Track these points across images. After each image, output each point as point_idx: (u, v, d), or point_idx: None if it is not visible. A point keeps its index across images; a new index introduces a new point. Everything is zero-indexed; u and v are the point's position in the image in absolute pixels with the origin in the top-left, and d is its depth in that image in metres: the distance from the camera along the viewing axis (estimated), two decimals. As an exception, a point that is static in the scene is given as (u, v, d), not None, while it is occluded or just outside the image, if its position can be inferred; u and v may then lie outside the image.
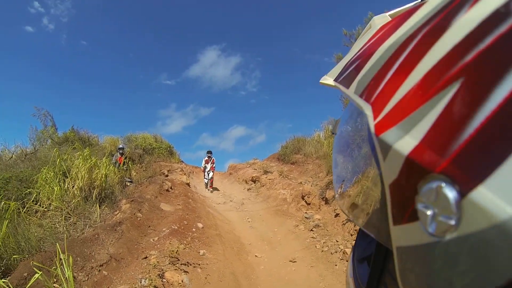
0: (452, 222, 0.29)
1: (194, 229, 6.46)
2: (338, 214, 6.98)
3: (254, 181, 12.60)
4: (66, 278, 3.14)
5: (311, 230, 7.08)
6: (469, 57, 0.31)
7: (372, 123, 0.43)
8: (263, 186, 11.69)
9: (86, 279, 3.85)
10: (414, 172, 0.34)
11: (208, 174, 12.55)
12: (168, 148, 15.58)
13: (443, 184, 0.30)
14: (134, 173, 10.25)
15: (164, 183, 9.08)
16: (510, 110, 0.26)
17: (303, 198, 8.73)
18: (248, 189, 12.31)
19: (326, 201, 8.29)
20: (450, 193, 0.29)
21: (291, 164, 13.22)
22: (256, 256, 6.02)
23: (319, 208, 8.20)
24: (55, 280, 3.30)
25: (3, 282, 2.99)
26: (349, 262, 0.80)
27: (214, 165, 12.78)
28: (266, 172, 12.66)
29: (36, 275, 2.89)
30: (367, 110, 0.47)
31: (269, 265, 5.64)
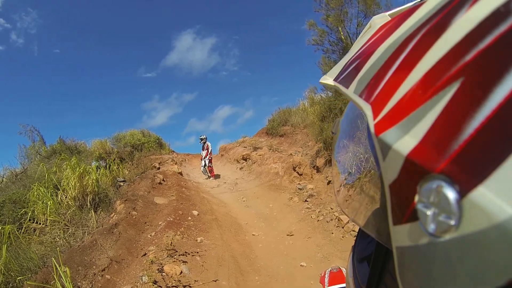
0: (452, 222, 0.29)
1: (189, 218, 6.60)
2: (330, 181, 7.08)
3: (245, 159, 12.69)
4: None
5: (305, 200, 7.29)
6: (469, 56, 0.31)
7: (371, 123, 0.43)
8: (254, 163, 11.78)
9: (90, 286, 4.02)
10: (414, 172, 0.34)
11: (204, 162, 12.30)
12: (157, 141, 15.53)
13: (443, 184, 0.30)
14: (127, 172, 10.33)
15: (155, 177, 9.17)
16: (510, 110, 0.26)
17: (294, 169, 8.87)
18: (240, 168, 12.42)
19: (318, 170, 8.45)
20: (450, 193, 0.29)
21: (280, 136, 13.33)
22: (253, 235, 6.18)
23: (311, 177, 8.39)
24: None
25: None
26: (349, 262, 0.81)
27: (210, 151, 12.40)
28: (256, 149, 12.71)
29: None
30: (367, 110, 0.46)
31: (267, 242, 5.80)
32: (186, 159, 15.48)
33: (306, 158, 9.21)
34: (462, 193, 0.28)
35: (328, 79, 0.72)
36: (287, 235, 5.90)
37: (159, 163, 11.72)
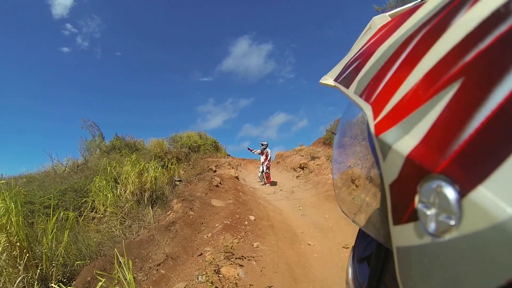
0: (452, 222, 0.29)
1: (246, 222, 6.48)
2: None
3: (302, 168, 12.47)
4: (127, 281, 3.23)
5: (363, 214, 6.93)
6: (469, 57, 0.31)
7: (372, 123, 0.44)
8: (311, 172, 11.53)
9: (145, 278, 3.97)
10: (414, 172, 0.34)
11: (262, 168, 12.24)
12: (214, 144, 15.73)
13: (443, 184, 0.30)
14: (182, 172, 10.43)
15: (213, 179, 9.18)
16: (510, 110, 0.26)
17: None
18: (297, 177, 12.21)
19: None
20: (450, 193, 0.29)
21: (338, 147, 12.98)
22: (309, 244, 5.95)
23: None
24: (116, 282, 3.41)
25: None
26: (349, 262, 0.82)
27: (269, 158, 12.30)
28: (313, 158, 12.46)
29: (100, 283, 2.99)
30: (367, 110, 0.47)
31: (322, 252, 5.55)
32: (242, 164, 15.52)
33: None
34: (462, 193, 0.28)
35: (329, 80, 0.74)
36: (343, 247, 5.59)
37: (215, 166, 11.76)
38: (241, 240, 5.50)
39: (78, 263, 3.95)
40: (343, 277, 3.56)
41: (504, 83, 0.27)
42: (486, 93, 0.28)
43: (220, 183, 9.27)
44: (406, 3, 0.68)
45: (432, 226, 0.31)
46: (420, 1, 0.49)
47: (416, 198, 0.34)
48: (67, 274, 3.84)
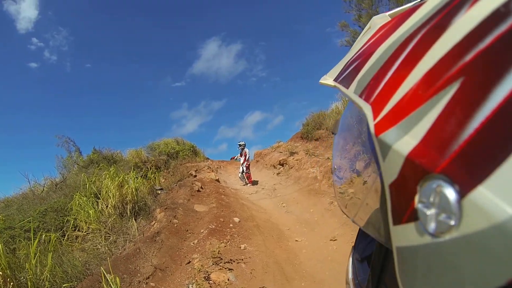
0: (452, 222, 0.29)
1: (231, 225, 6.47)
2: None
3: (282, 164, 12.48)
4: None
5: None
6: (469, 57, 0.31)
7: (371, 123, 0.43)
8: (291, 168, 11.57)
9: (136, 294, 3.91)
10: (414, 172, 0.34)
11: (242, 169, 12.16)
12: (191, 148, 15.58)
13: (443, 184, 0.30)
14: (163, 180, 10.33)
15: (194, 184, 9.12)
16: (510, 110, 0.26)
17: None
18: (277, 174, 12.21)
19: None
20: (450, 193, 0.29)
21: (315, 140, 13.08)
22: (296, 240, 6.01)
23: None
24: (106, 301, 3.37)
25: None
26: (349, 262, 0.82)
27: (247, 158, 12.22)
28: (292, 154, 12.49)
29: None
30: (367, 110, 0.47)
31: (311, 247, 5.62)
32: (221, 166, 15.44)
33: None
34: (462, 193, 0.28)
35: (328, 79, 0.74)
36: (331, 240, 5.69)
37: (195, 171, 11.67)
38: (228, 243, 5.50)
39: (65, 286, 3.86)
40: (334, 269, 3.65)
41: (504, 83, 0.27)
42: (486, 93, 0.28)
43: (202, 187, 9.21)
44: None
45: (432, 226, 0.32)
46: (420, 1, 0.49)
47: (416, 198, 0.34)
48: (55, 299, 3.76)
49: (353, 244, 0.86)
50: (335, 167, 0.77)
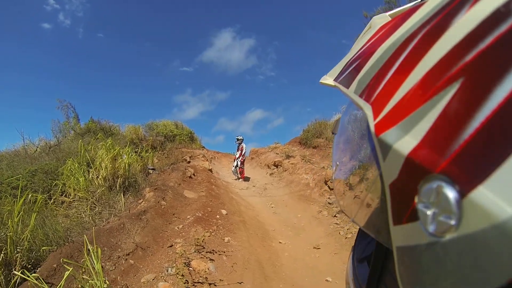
0: (452, 222, 0.29)
1: (218, 216, 6.46)
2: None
3: (277, 166, 12.54)
4: (95, 269, 3.15)
5: (335, 216, 7.03)
6: (469, 57, 0.31)
7: (372, 123, 0.44)
8: (285, 170, 11.61)
9: (113, 268, 3.89)
10: (414, 172, 0.34)
11: (237, 163, 12.24)
12: (189, 134, 15.59)
13: (443, 184, 0.30)
14: (156, 160, 10.30)
15: (186, 170, 9.10)
16: (510, 110, 0.26)
17: (326, 183, 8.65)
18: (270, 174, 12.28)
19: (350, 187, 8.17)
20: (450, 193, 0.29)
21: (313, 148, 13.11)
22: (280, 242, 6.00)
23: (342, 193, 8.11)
24: (83, 270, 3.33)
25: (34, 275, 3.02)
26: (349, 262, 0.81)
27: (243, 153, 12.33)
28: (288, 157, 12.54)
29: (67, 272, 2.91)
30: (367, 110, 0.47)
31: (294, 251, 5.61)
32: (216, 157, 15.46)
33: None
34: (462, 193, 0.28)
35: (329, 79, 0.74)
36: (314, 247, 5.70)
37: (190, 157, 11.68)
38: (213, 233, 5.49)
39: (44, 249, 3.81)
40: (314, 277, 3.64)
41: (504, 83, 0.27)
42: (486, 93, 0.28)
43: (194, 174, 9.22)
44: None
45: (432, 226, 0.32)
46: (420, 1, 0.49)
47: (416, 198, 0.34)
48: (32, 260, 3.70)
49: (353, 244, 0.86)
50: (335, 167, 0.77)
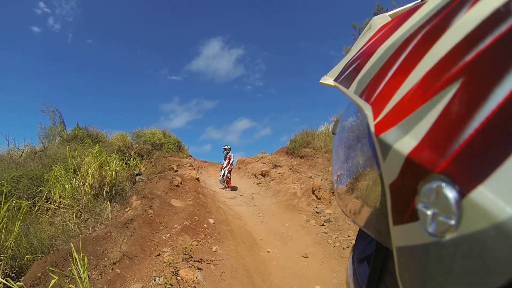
0: (452, 222, 0.29)
1: (205, 225, 6.41)
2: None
3: (264, 175, 12.52)
4: (82, 279, 3.09)
5: (322, 225, 7.08)
6: (469, 57, 0.31)
7: (372, 123, 0.44)
8: (272, 180, 11.62)
9: (100, 277, 3.82)
10: (414, 172, 0.34)
11: (224, 172, 12.21)
12: (177, 143, 15.49)
13: (443, 184, 0.30)
14: (143, 169, 10.21)
15: (174, 179, 9.02)
16: (510, 110, 0.26)
17: (313, 192, 8.70)
18: (257, 183, 12.25)
19: (350, 187, 8.21)
20: (450, 193, 0.29)
21: (300, 158, 13.12)
22: (268, 251, 6.00)
23: (329, 202, 8.19)
24: (69, 280, 3.26)
25: (19, 284, 2.95)
26: (349, 262, 0.81)
27: (231, 162, 12.33)
28: (275, 166, 12.53)
29: (53, 281, 2.84)
30: (367, 110, 0.47)
31: (282, 260, 5.62)
32: (203, 166, 15.40)
33: (326, 183, 9.01)
34: (462, 193, 0.28)
35: (329, 80, 0.74)
36: (302, 256, 5.71)
37: (177, 166, 11.58)
38: (200, 242, 5.44)
39: (29, 257, 3.71)
40: (302, 285, 3.66)
41: (504, 83, 0.27)
42: (486, 93, 0.28)
43: (181, 183, 9.15)
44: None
45: (432, 226, 0.32)
46: (420, 1, 0.49)
47: (416, 198, 0.34)
48: (16, 269, 3.61)
49: (352, 245, 0.85)
50: (335, 167, 0.77)
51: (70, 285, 3.16)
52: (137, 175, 8.81)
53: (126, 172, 8.03)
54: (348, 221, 6.79)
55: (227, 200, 10.09)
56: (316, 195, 8.54)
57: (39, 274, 3.44)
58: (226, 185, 12.01)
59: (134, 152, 11.17)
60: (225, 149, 12.61)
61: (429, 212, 0.32)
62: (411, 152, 0.35)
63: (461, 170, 0.29)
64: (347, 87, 0.60)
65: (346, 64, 0.68)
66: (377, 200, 0.51)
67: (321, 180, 9.38)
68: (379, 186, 0.50)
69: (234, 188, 11.93)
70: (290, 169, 11.68)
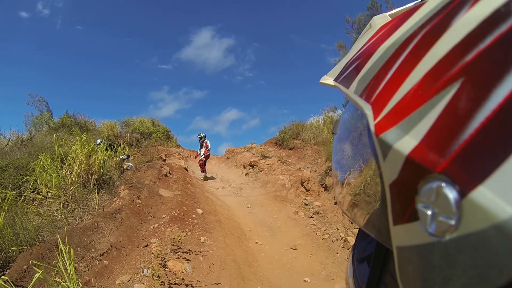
0: (452, 222, 0.29)
1: (194, 215, 6.42)
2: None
3: (252, 166, 12.48)
4: (68, 271, 3.05)
5: (311, 217, 7.11)
6: (469, 57, 0.31)
7: (372, 123, 0.44)
8: (261, 171, 11.60)
9: (87, 269, 3.79)
10: (414, 172, 0.34)
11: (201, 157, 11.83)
12: (166, 132, 15.44)
13: (443, 184, 0.30)
14: (132, 158, 10.14)
15: (162, 168, 8.99)
16: (511, 110, 0.26)
17: (302, 184, 8.71)
18: (246, 174, 12.22)
19: (326, 188, 8.32)
20: (450, 193, 0.29)
21: (289, 149, 13.18)
22: (256, 243, 6.01)
23: (318, 194, 8.22)
24: (55, 272, 3.22)
25: (3, 278, 2.91)
26: (349, 262, 0.81)
27: (208, 148, 11.88)
28: (264, 157, 12.52)
29: (37, 275, 2.80)
30: (367, 110, 0.47)
31: (270, 252, 5.63)
32: (191, 156, 15.26)
33: (315, 175, 9.06)
34: (462, 193, 0.28)
35: (329, 79, 0.73)
36: (291, 248, 5.74)
37: (165, 155, 11.54)
38: (189, 233, 5.45)
39: (14, 249, 3.66)
40: (291, 277, 3.66)
41: (505, 83, 0.27)
42: (486, 93, 0.28)
43: (169, 172, 9.12)
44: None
45: (432, 226, 0.31)
46: (420, 1, 0.49)
47: (416, 198, 0.34)
48: (1, 262, 3.57)
49: (351, 245, 0.87)
50: (335, 167, 0.76)
51: (56, 279, 3.12)
52: (125, 159, 8.73)
53: (114, 161, 7.95)
54: (337, 214, 6.85)
55: (215, 190, 10.05)
56: (305, 187, 8.57)
57: (25, 267, 3.39)
58: (201, 169, 11.73)
59: (123, 141, 11.07)
60: (200, 138, 12.14)
61: (429, 212, 0.32)
62: (411, 152, 0.35)
63: (461, 170, 0.29)
64: (347, 87, 0.60)
65: (346, 64, 0.68)
66: (377, 200, 0.51)
67: (310, 172, 9.41)
68: (379, 186, 0.49)
69: (208, 178, 11.77)
70: (279, 160, 11.69)
